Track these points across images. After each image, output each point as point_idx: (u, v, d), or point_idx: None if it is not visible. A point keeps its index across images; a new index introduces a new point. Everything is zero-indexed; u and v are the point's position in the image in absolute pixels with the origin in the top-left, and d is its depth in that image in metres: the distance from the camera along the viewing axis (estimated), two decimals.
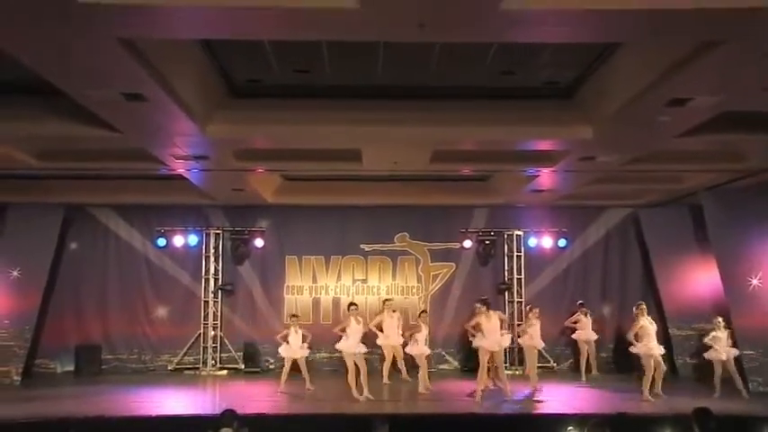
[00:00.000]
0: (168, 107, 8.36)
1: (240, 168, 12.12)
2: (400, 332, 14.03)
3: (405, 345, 13.96)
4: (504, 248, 16.86)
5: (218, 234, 16.70)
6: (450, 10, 5.80)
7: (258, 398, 12.62)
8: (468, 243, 16.65)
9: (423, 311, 14.65)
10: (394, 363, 14.08)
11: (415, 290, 16.83)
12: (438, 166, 12.19)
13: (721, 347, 12.96)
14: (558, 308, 16.24)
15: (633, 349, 12.68)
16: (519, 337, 14.17)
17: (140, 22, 6.02)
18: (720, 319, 13.26)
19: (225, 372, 16.20)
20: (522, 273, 16.77)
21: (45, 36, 6.24)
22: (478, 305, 12.57)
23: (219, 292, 16.59)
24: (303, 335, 13.32)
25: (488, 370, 12.62)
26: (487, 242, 16.66)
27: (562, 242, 16.63)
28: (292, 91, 9.68)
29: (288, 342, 13.24)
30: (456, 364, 16.38)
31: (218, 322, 16.43)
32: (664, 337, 15.18)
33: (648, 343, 12.36)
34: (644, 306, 12.84)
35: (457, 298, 16.54)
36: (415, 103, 9.71)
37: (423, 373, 13.27)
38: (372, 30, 6.45)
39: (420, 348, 13.67)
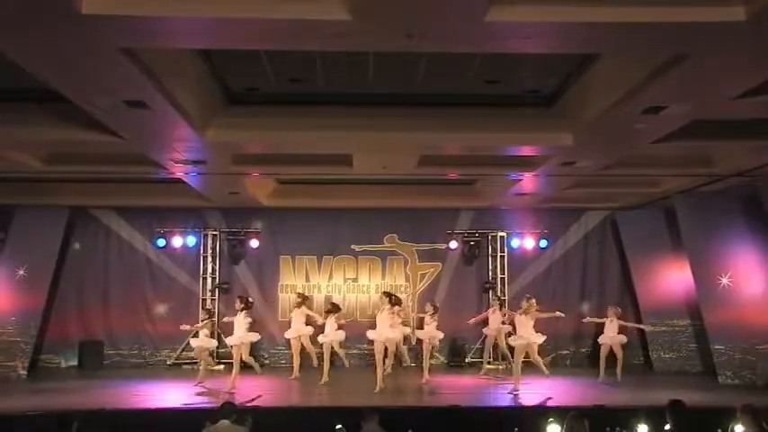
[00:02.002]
0: (168, 114, 8.33)
1: (237, 172, 12.09)
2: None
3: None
4: (488, 249, 16.85)
5: (216, 235, 16.62)
6: (437, 22, 5.81)
7: (254, 391, 12.56)
8: (453, 244, 16.62)
9: (332, 304, 14.66)
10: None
11: (403, 288, 16.74)
12: (425, 170, 12.20)
13: (609, 335, 13.46)
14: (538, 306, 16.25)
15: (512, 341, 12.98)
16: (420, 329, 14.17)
17: (142, 32, 6.00)
18: (615, 310, 13.67)
19: (222, 366, 16.11)
20: (506, 272, 16.76)
21: (49, 45, 6.20)
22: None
23: (217, 290, 16.53)
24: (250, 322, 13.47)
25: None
26: (472, 243, 16.65)
27: (543, 243, 16.61)
28: (287, 99, 9.66)
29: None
30: (443, 359, 16.37)
31: (216, 319, 16.35)
32: (639, 333, 15.27)
33: (523, 334, 12.57)
34: (530, 298, 12.92)
35: (443, 296, 16.51)
36: (403, 110, 9.71)
37: (324, 365, 13.62)
38: (363, 40, 6.45)
39: (326, 338, 13.80)
